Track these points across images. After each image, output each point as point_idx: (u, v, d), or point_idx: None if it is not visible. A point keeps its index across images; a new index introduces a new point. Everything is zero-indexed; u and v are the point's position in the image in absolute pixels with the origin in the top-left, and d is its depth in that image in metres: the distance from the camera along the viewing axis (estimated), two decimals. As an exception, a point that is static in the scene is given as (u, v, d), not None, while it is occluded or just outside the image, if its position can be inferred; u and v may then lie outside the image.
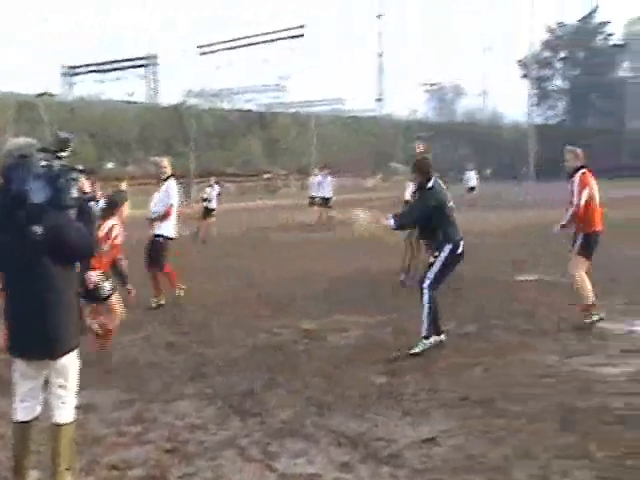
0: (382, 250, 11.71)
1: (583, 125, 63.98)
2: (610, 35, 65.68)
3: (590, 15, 65.19)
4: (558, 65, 68.54)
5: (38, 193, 3.24)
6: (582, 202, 6.85)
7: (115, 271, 6.63)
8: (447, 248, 6.15)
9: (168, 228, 8.65)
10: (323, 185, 19.94)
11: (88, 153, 35.93)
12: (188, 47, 56.16)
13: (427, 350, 6.03)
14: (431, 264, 6.20)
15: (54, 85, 56.24)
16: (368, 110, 64.94)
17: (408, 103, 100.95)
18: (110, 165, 41.47)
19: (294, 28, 54.06)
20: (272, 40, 55.10)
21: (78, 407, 3.61)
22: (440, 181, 6.41)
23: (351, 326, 7.18)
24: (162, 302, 8.48)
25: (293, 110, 57.20)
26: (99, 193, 8.48)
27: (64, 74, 59.01)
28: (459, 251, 6.21)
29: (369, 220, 6.81)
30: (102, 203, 6.59)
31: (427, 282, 6.14)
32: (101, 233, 5.86)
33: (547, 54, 67.15)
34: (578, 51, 66.56)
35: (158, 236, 8.60)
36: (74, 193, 3.38)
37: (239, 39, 55.81)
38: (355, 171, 47.50)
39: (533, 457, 3.86)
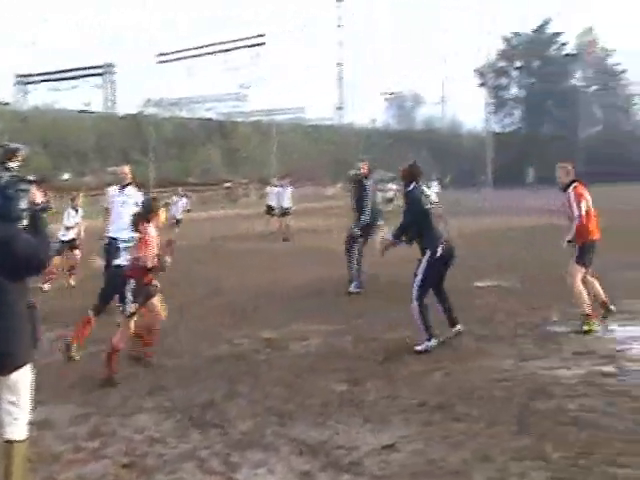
0: (342, 258, 11.74)
1: (539, 133, 65.52)
2: (563, 45, 67.52)
3: (544, 26, 66.89)
4: (514, 74, 70.15)
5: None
6: (583, 213, 7.07)
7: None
8: (427, 253, 6.37)
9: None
10: (283, 195, 19.96)
11: (42, 163, 35.23)
12: (147, 56, 55.44)
13: (388, 356, 6.10)
14: (415, 274, 6.39)
15: (6, 94, 55.14)
16: (329, 119, 65.38)
17: (368, 112, 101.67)
18: (66, 176, 40.72)
19: (255, 37, 54.12)
20: (233, 49, 55.02)
21: (32, 423, 3.53)
22: (425, 187, 6.67)
23: (312, 334, 7.19)
24: None
25: (254, 119, 57.13)
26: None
27: (17, 83, 57.88)
28: (438, 254, 6.34)
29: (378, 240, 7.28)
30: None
31: (413, 293, 6.35)
32: (140, 239, 5.87)
33: (503, 63, 68.62)
34: (533, 60, 68.20)
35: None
36: (23, 204, 3.32)
37: (199, 48, 55.59)
38: (315, 179, 47.65)
39: (491, 460, 3.92)
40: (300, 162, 47.64)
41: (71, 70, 56.89)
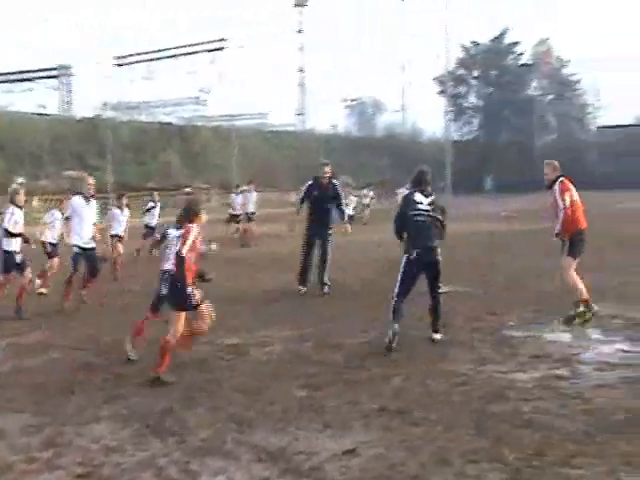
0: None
1: (496, 141, 66.72)
2: (520, 55, 68.94)
3: (501, 35, 68.18)
4: (473, 82, 71.23)
5: None
6: (567, 204, 7.39)
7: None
8: (403, 258, 6.80)
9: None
10: (248, 200, 19.81)
11: (-3, 166, 34.30)
12: (105, 58, 54.48)
13: (349, 361, 6.21)
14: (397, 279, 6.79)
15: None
16: (290, 124, 65.36)
17: (329, 118, 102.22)
18: (20, 180, 39.71)
19: (215, 41, 53.73)
20: (193, 53, 54.52)
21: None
22: (418, 193, 6.93)
23: (274, 340, 7.17)
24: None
25: (215, 124, 56.72)
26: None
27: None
28: (411, 257, 6.69)
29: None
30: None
31: (393, 297, 6.77)
32: (184, 240, 5.91)
33: (462, 72, 69.64)
34: (491, 69, 69.42)
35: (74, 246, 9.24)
36: None
37: (158, 51, 54.94)
38: (277, 185, 47.54)
39: (449, 464, 3.97)
40: (261, 167, 47.36)
41: (25, 72, 55.57)
